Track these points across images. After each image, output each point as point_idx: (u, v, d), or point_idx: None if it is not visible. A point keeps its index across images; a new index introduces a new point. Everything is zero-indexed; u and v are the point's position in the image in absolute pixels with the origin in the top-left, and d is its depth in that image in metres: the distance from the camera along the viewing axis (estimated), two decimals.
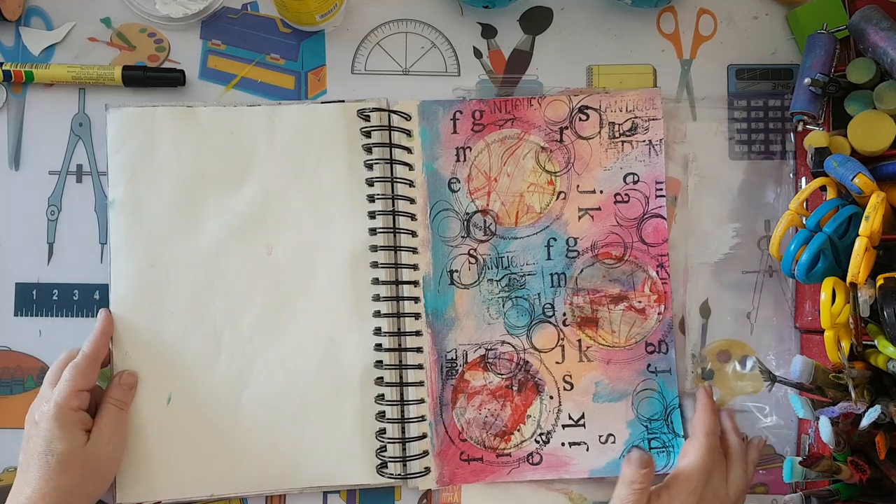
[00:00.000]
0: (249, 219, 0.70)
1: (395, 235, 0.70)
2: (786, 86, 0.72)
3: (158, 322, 0.69)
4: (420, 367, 0.70)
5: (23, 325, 0.71)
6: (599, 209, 0.71)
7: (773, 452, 0.70)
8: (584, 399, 0.70)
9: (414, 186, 0.71)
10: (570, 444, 0.70)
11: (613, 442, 0.70)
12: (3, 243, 0.72)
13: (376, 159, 0.70)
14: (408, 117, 0.71)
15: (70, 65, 0.71)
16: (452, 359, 0.70)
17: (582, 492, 0.70)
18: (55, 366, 0.66)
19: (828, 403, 0.60)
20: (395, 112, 0.71)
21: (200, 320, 0.69)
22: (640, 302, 0.70)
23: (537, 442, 0.70)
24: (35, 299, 0.71)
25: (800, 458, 0.61)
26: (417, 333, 0.70)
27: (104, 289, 0.71)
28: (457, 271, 0.71)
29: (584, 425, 0.70)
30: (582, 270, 0.71)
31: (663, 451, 0.69)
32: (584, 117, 0.71)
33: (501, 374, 0.70)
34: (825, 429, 0.58)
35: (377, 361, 0.69)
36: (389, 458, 0.69)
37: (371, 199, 0.70)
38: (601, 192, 0.71)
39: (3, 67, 0.71)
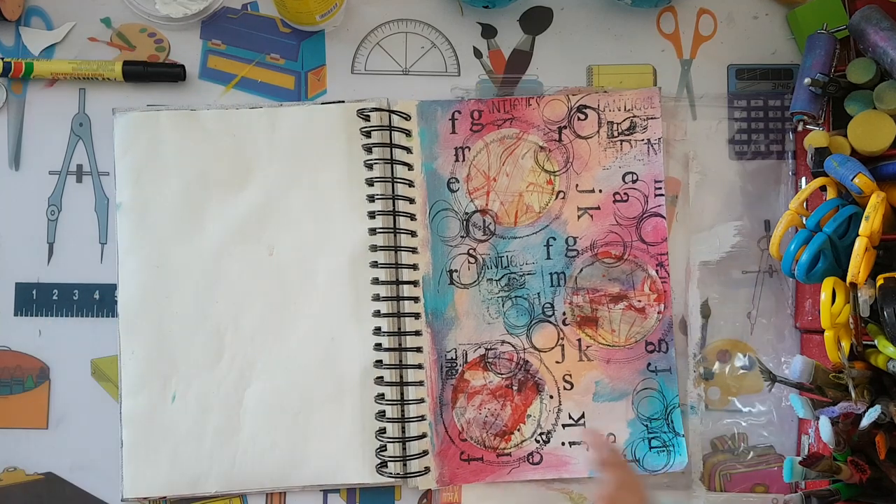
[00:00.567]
0: (251, 219, 0.70)
1: (394, 235, 0.70)
2: (786, 86, 0.72)
3: (163, 322, 0.70)
4: (420, 366, 0.70)
5: (23, 324, 0.71)
6: (598, 208, 0.71)
7: (773, 452, 0.70)
8: (584, 398, 0.70)
9: (413, 186, 0.71)
10: (571, 443, 0.70)
11: (614, 441, 0.70)
12: (3, 243, 0.72)
13: (376, 159, 0.70)
14: (407, 117, 0.71)
15: (71, 60, 0.71)
16: (452, 358, 0.70)
17: (582, 491, 0.70)
18: None
19: (828, 403, 0.60)
20: (394, 112, 0.71)
21: (203, 320, 0.70)
22: (639, 301, 0.70)
23: (537, 441, 0.70)
24: (35, 299, 0.71)
25: (800, 458, 0.61)
26: (417, 333, 0.70)
27: (104, 288, 0.71)
28: (456, 271, 0.71)
29: (584, 425, 0.70)
30: (581, 270, 0.71)
31: (663, 451, 0.69)
32: (582, 117, 0.71)
33: (501, 374, 0.70)
34: (825, 429, 0.58)
35: (377, 361, 0.69)
36: (389, 457, 0.69)
37: (371, 199, 0.70)
38: (600, 191, 0.71)
39: (4, 60, 0.71)
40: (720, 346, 0.71)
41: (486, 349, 0.70)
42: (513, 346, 0.70)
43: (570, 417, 0.70)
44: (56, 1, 0.73)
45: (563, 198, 0.71)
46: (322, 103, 0.71)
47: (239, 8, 0.73)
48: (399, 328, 0.70)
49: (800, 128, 0.68)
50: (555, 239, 0.71)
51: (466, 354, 0.70)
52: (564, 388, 0.70)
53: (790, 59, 0.73)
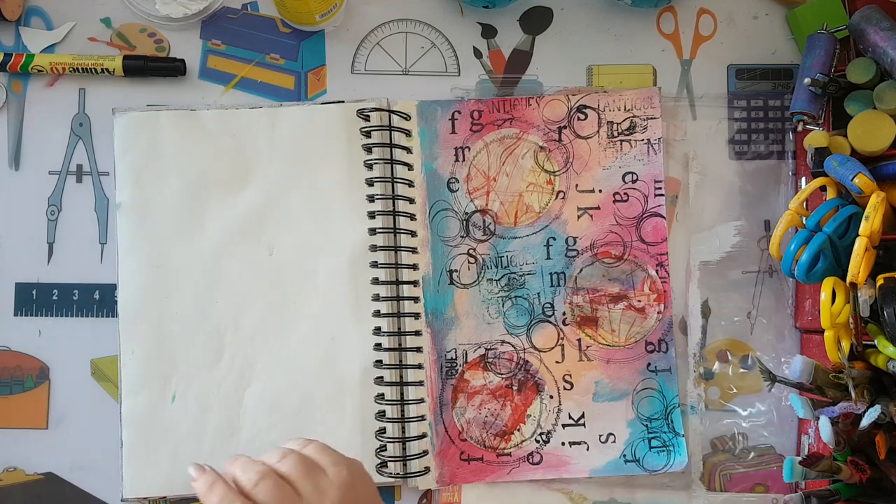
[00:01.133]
0: (251, 219, 0.70)
1: (394, 235, 0.70)
2: (786, 86, 0.72)
3: (163, 322, 0.70)
4: (420, 366, 0.70)
5: (23, 324, 0.71)
6: (598, 208, 0.71)
7: (773, 452, 0.70)
8: (584, 398, 0.70)
9: (413, 186, 0.71)
10: (571, 443, 0.70)
11: (614, 441, 0.70)
12: (3, 243, 0.72)
13: (376, 159, 0.70)
14: (407, 117, 0.71)
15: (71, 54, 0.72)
16: (452, 358, 0.70)
17: (582, 491, 0.70)
18: None
19: (828, 403, 0.60)
20: (394, 112, 0.71)
21: (203, 320, 0.70)
22: (639, 301, 0.70)
23: (537, 441, 0.70)
24: (35, 299, 0.71)
25: (800, 458, 0.61)
26: (417, 333, 0.70)
27: (104, 288, 0.71)
28: (456, 271, 0.71)
29: (584, 425, 0.70)
30: (581, 270, 0.71)
31: (663, 451, 0.69)
32: (582, 116, 0.71)
33: (501, 374, 0.70)
34: (825, 429, 0.58)
35: (377, 361, 0.69)
36: (389, 457, 0.69)
37: (371, 198, 0.70)
38: (600, 191, 0.71)
39: (4, 52, 0.71)
40: (720, 346, 0.71)
41: (486, 349, 0.70)
42: (513, 346, 0.70)
43: (570, 417, 0.70)
44: (56, 1, 0.73)
45: (563, 198, 0.71)
46: (322, 103, 0.71)
47: (239, 8, 0.73)
48: (399, 328, 0.70)
49: (800, 128, 0.68)
50: (555, 239, 0.71)
51: (466, 354, 0.70)
52: (564, 388, 0.70)
53: (790, 59, 0.73)
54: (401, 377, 0.69)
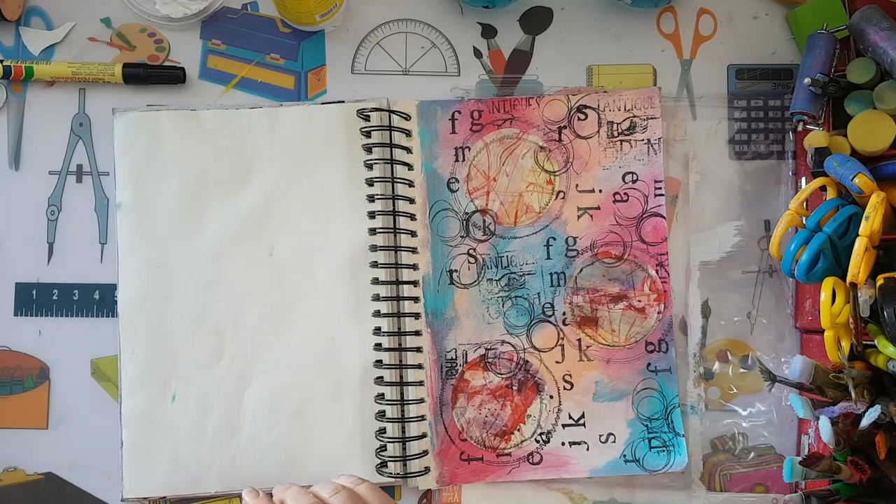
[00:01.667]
0: (251, 219, 0.70)
1: (394, 235, 0.70)
2: (786, 86, 0.72)
3: (164, 321, 0.70)
4: (420, 366, 0.70)
5: (23, 324, 0.71)
6: (598, 208, 0.71)
7: (773, 452, 0.70)
8: (584, 398, 0.70)
9: (413, 186, 0.71)
10: (571, 443, 0.70)
11: (614, 441, 0.70)
12: (3, 243, 0.72)
13: (376, 159, 0.70)
14: (407, 117, 0.71)
15: (70, 62, 0.71)
16: (452, 358, 0.70)
17: (582, 491, 0.70)
18: None
19: (828, 403, 0.60)
20: (394, 112, 0.71)
21: (204, 320, 0.70)
22: (639, 301, 0.70)
23: (537, 441, 0.70)
24: (35, 299, 0.71)
25: (800, 458, 0.61)
26: (417, 333, 0.70)
27: (104, 288, 0.71)
28: (456, 271, 0.71)
29: (584, 425, 0.70)
30: (581, 270, 0.71)
31: (663, 451, 0.69)
32: (582, 116, 0.71)
33: (501, 374, 0.70)
34: (825, 429, 0.58)
35: (377, 361, 0.69)
36: (389, 457, 0.69)
37: (371, 198, 0.70)
38: (600, 191, 0.71)
39: (4, 63, 0.71)
40: (720, 346, 0.71)
41: (486, 349, 0.70)
42: (513, 346, 0.70)
43: (570, 417, 0.70)
44: (56, 1, 0.73)
45: (563, 198, 0.71)
46: (322, 103, 0.71)
47: (239, 8, 0.73)
48: (399, 328, 0.70)
49: (800, 128, 0.68)
50: (555, 239, 0.71)
51: (466, 354, 0.70)
52: (564, 388, 0.70)
53: (790, 59, 0.73)
54: (401, 377, 0.69)
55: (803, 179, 0.70)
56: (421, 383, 0.70)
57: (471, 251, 0.71)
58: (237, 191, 0.71)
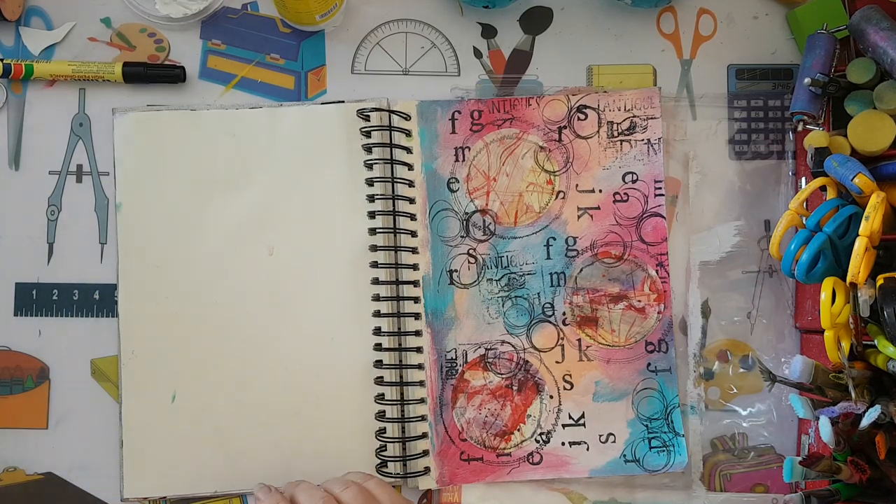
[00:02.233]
0: (251, 220, 0.71)
1: (394, 235, 0.70)
2: (786, 86, 0.72)
3: (164, 322, 0.70)
4: (420, 366, 0.70)
5: (23, 325, 0.71)
6: (598, 208, 0.71)
7: (773, 452, 0.70)
8: (584, 398, 0.70)
9: (413, 186, 0.71)
10: (571, 443, 0.70)
11: (614, 441, 0.70)
12: (3, 243, 0.72)
13: (376, 159, 0.70)
14: (407, 117, 0.71)
15: (70, 61, 0.71)
16: (452, 358, 0.70)
17: (582, 491, 0.70)
18: None
19: (828, 403, 0.60)
20: (394, 112, 0.71)
21: (204, 320, 0.70)
22: (639, 301, 0.70)
23: (537, 441, 0.70)
24: (35, 299, 0.71)
25: (800, 458, 0.61)
26: (417, 333, 0.70)
27: (104, 288, 0.71)
28: (456, 271, 0.71)
29: (584, 425, 0.70)
30: (581, 270, 0.71)
31: (663, 451, 0.69)
32: (582, 116, 0.71)
33: (501, 374, 0.70)
34: (825, 429, 0.58)
35: (377, 361, 0.69)
36: (389, 457, 0.69)
37: (371, 199, 0.70)
38: (600, 191, 0.71)
39: (4, 62, 0.71)
40: (720, 346, 0.71)
41: (486, 349, 0.70)
42: (513, 346, 0.70)
43: (570, 417, 0.70)
44: (56, 1, 0.73)
45: (563, 198, 0.71)
46: (322, 103, 0.71)
47: (239, 8, 0.73)
48: (399, 328, 0.70)
49: (800, 128, 0.67)
50: (555, 239, 0.71)
51: (466, 354, 0.70)
52: (564, 388, 0.70)
53: (790, 59, 0.73)
54: (401, 377, 0.69)
55: (803, 179, 0.70)
56: (421, 383, 0.70)
57: (471, 251, 0.71)
58: (237, 191, 0.71)
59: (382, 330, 0.69)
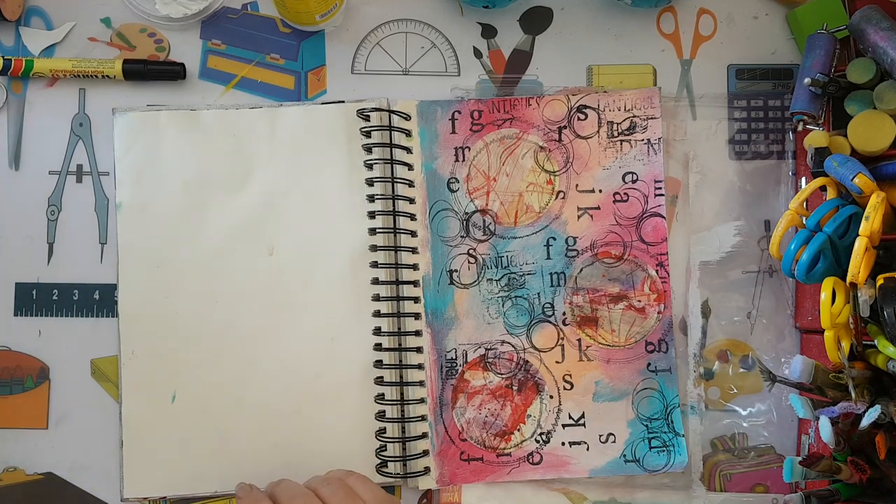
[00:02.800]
0: (251, 219, 0.71)
1: (394, 235, 0.70)
2: (786, 86, 0.72)
3: (164, 322, 0.70)
4: (420, 366, 0.70)
5: (23, 325, 0.71)
6: (598, 208, 0.71)
7: (773, 452, 0.70)
8: (584, 398, 0.70)
9: (413, 186, 0.71)
10: (571, 443, 0.70)
11: (614, 441, 0.70)
12: (3, 243, 0.72)
13: (376, 159, 0.70)
14: (407, 117, 0.71)
15: (71, 58, 0.71)
16: (452, 358, 0.70)
17: (582, 491, 0.70)
18: None
19: (828, 403, 0.60)
20: (394, 112, 0.71)
21: (204, 320, 0.70)
22: (639, 301, 0.70)
23: (537, 441, 0.70)
24: (35, 299, 0.71)
25: (800, 458, 0.61)
26: (417, 333, 0.70)
27: (104, 289, 0.71)
28: (456, 271, 0.71)
29: (584, 425, 0.70)
30: (581, 270, 0.71)
31: (664, 451, 0.69)
32: (582, 117, 0.71)
33: (501, 374, 0.70)
34: (825, 429, 0.58)
35: (377, 361, 0.69)
36: (389, 457, 0.69)
37: (371, 199, 0.70)
38: (600, 191, 0.71)
39: (4, 57, 0.71)
40: (720, 346, 0.71)
41: (486, 349, 0.70)
42: (513, 346, 0.70)
43: (570, 417, 0.70)
44: (56, 1, 0.73)
45: (563, 198, 0.71)
46: (322, 103, 0.71)
47: (239, 8, 0.73)
48: (399, 328, 0.70)
49: (800, 128, 0.67)
50: (555, 239, 0.71)
51: (466, 354, 0.70)
52: (564, 388, 0.70)
53: (790, 59, 0.73)
54: (401, 377, 0.69)
55: (803, 179, 0.70)
56: (421, 383, 0.70)
57: (471, 251, 0.71)
58: (237, 191, 0.71)
59: (382, 330, 0.69)
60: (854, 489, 0.62)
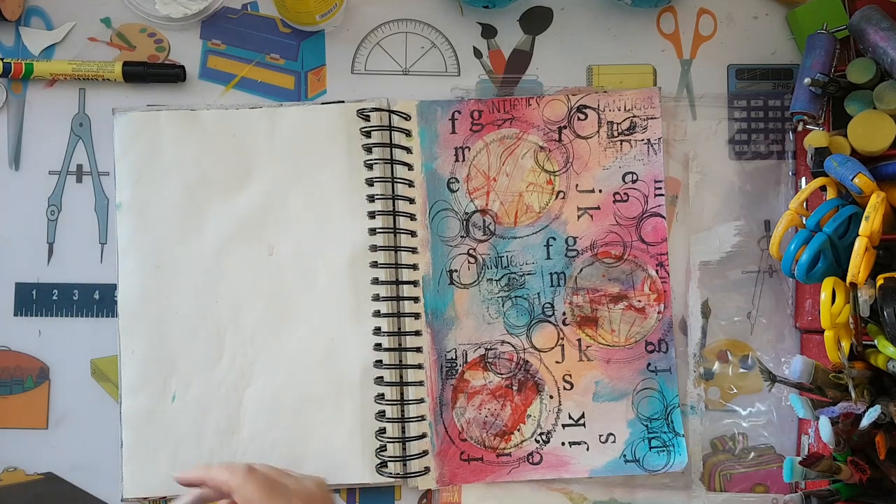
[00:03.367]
0: (251, 219, 0.71)
1: (394, 235, 0.70)
2: (786, 86, 0.72)
3: (164, 322, 0.70)
4: (420, 366, 0.70)
5: (23, 325, 0.71)
6: (598, 208, 0.71)
7: (773, 452, 0.70)
8: (584, 398, 0.70)
9: (413, 186, 0.71)
10: (571, 443, 0.70)
11: (614, 441, 0.70)
12: (3, 243, 0.72)
13: (376, 159, 0.70)
14: (407, 117, 0.71)
15: (71, 60, 0.71)
16: (452, 358, 0.70)
17: (582, 491, 0.70)
18: None
19: (828, 403, 0.60)
20: (394, 112, 0.71)
21: (204, 320, 0.70)
22: (639, 301, 0.70)
23: (537, 441, 0.70)
24: (35, 299, 0.71)
25: (800, 458, 0.61)
26: (417, 333, 0.70)
27: (104, 288, 0.71)
28: (456, 271, 0.71)
29: (584, 425, 0.70)
30: (581, 270, 0.71)
31: (663, 451, 0.69)
32: (582, 117, 0.71)
33: (501, 374, 0.70)
34: (825, 429, 0.58)
35: (377, 361, 0.69)
36: (389, 457, 0.69)
37: (371, 199, 0.70)
38: (600, 191, 0.71)
39: (4, 61, 0.71)
40: (720, 346, 0.71)
41: (486, 349, 0.70)
42: (513, 346, 0.70)
43: (570, 417, 0.70)
44: (56, 1, 0.73)
45: (563, 198, 0.71)
46: (322, 103, 0.71)
47: (239, 8, 0.73)
48: (399, 328, 0.70)
49: (800, 128, 0.68)
50: (555, 239, 0.71)
51: (466, 354, 0.70)
52: (564, 388, 0.70)
53: (790, 59, 0.73)
54: (401, 377, 0.69)
55: (803, 179, 0.70)
56: (421, 383, 0.70)
57: (471, 251, 0.71)
58: (237, 191, 0.71)
59: (382, 330, 0.69)
60: (854, 489, 0.62)
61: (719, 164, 0.72)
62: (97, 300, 0.71)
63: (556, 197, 0.71)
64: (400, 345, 0.70)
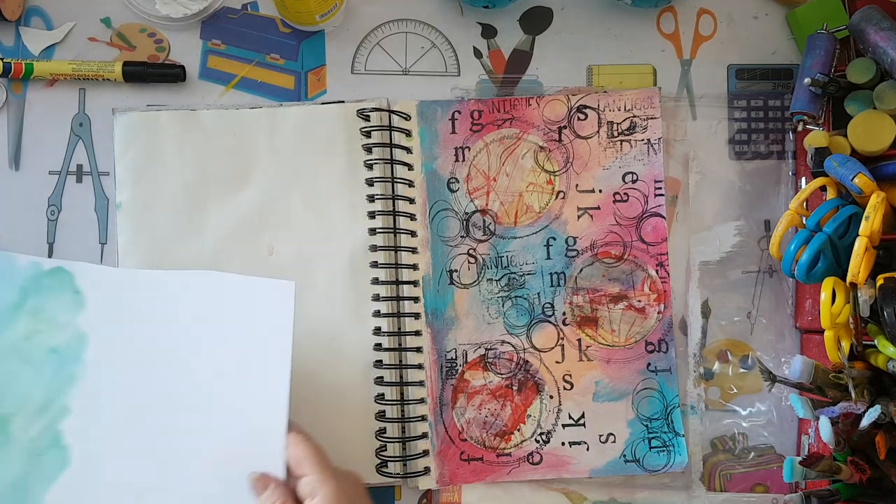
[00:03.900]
0: (251, 219, 0.70)
1: (394, 235, 0.70)
2: (786, 86, 0.72)
3: None
4: (420, 366, 0.70)
5: None
6: (598, 208, 0.71)
7: (773, 452, 0.70)
8: (584, 398, 0.70)
9: (413, 186, 0.71)
10: (571, 443, 0.70)
11: (614, 441, 0.70)
12: (3, 243, 0.72)
13: (376, 159, 0.70)
14: (407, 117, 0.71)
15: (71, 60, 0.71)
16: (452, 358, 0.70)
17: (582, 491, 0.70)
18: None
19: (828, 403, 0.60)
20: (394, 112, 0.71)
21: None
22: (639, 301, 0.70)
23: (537, 441, 0.70)
24: None
25: (800, 458, 0.61)
26: (417, 333, 0.70)
27: None
28: (456, 271, 0.71)
29: (584, 425, 0.70)
30: (581, 270, 0.71)
31: (663, 451, 0.69)
32: (582, 117, 0.71)
33: (501, 374, 0.70)
34: (825, 429, 0.58)
35: (377, 361, 0.69)
36: (389, 457, 0.69)
37: (371, 199, 0.70)
38: (600, 191, 0.71)
39: (4, 61, 0.71)
40: (720, 346, 0.71)
41: (486, 349, 0.70)
42: (513, 346, 0.70)
43: (570, 417, 0.70)
44: (56, 1, 0.73)
45: (563, 198, 0.71)
46: (322, 103, 0.71)
47: (239, 8, 0.73)
48: (399, 328, 0.70)
49: (800, 128, 0.68)
50: (555, 239, 0.71)
51: (466, 354, 0.70)
52: (564, 388, 0.70)
53: (790, 59, 0.73)
54: (401, 377, 0.69)
55: (803, 179, 0.70)
56: (421, 383, 0.70)
57: (471, 251, 0.71)
58: (237, 191, 0.71)
59: (382, 330, 0.69)
60: (854, 489, 0.62)
61: (719, 164, 0.72)
62: None
63: (556, 197, 0.71)
64: (400, 345, 0.70)
